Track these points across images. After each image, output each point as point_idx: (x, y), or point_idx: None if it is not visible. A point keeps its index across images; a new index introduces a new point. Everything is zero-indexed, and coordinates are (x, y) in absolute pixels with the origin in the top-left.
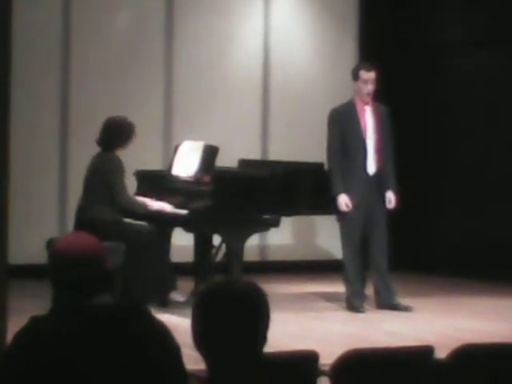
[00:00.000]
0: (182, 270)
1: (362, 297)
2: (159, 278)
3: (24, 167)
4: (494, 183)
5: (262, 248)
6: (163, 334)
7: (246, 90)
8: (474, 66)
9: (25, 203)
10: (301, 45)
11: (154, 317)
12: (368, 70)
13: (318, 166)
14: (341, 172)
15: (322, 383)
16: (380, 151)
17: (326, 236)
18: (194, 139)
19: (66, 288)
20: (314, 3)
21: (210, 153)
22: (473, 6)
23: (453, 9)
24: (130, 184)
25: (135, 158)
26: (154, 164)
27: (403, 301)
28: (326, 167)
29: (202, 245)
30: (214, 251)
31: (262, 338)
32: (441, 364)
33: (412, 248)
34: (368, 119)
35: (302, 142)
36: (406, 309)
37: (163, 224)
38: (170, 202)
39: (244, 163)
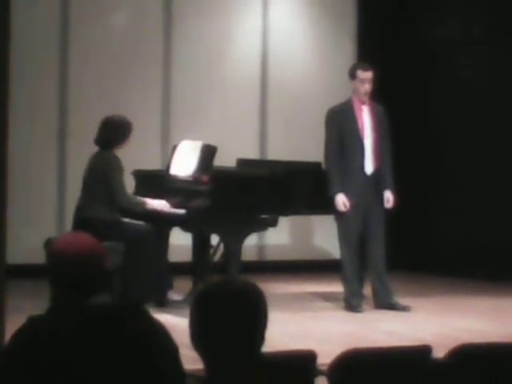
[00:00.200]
0: (180, 269)
1: (360, 296)
2: (157, 277)
3: (22, 166)
4: (493, 183)
5: (260, 248)
6: (161, 334)
7: (244, 90)
8: (472, 66)
9: (23, 203)
10: (299, 44)
11: (152, 317)
12: (365, 69)
13: (316, 166)
14: (338, 172)
15: (320, 383)
16: (378, 151)
17: (323, 236)
18: (193, 139)
19: (64, 287)
20: (313, 3)
21: (208, 152)
22: (472, 5)
23: (451, 8)
24: (128, 184)
25: (133, 157)
26: (152, 164)
27: (401, 300)
28: (323, 167)
29: (200, 244)
30: (211, 251)
31: (260, 337)
32: (439, 364)
33: (410, 248)
34: (365, 119)
35: (300, 142)
36: (404, 308)
37: (161, 224)
38: (168, 202)
39: (242, 163)
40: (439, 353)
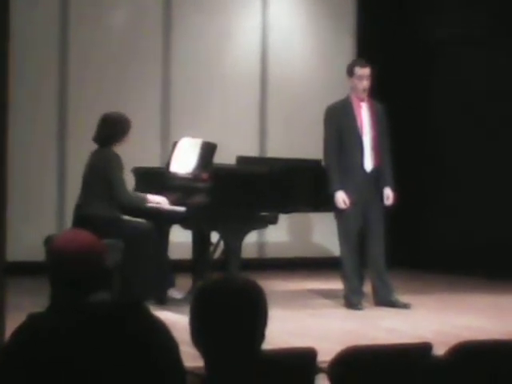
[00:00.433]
0: (180, 267)
1: (359, 294)
2: (157, 275)
3: (22, 164)
4: (492, 180)
5: (260, 245)
6: (162, 332)
7: (243, 88)
8: (472, 64)
9: (23, 200)
10: (299, 42)
11: (152, 314)
12: (362, 66)
13: (316, 163)
14: (338, 169)
15: (321, 380)
16: (377, 148)
17: (323, 233)
18: (192, 136)
19: (64, 285)
20: (313, 0)
21: (208, 150)
22: (472, 4)
23: (451, 6)
24: (128, 181)
25: (133, 154)
26: (151, 161)
27: (401, 298)
28: (323, 164)
29: (200, 242)
30: (211, 248)
31: (260, 335)
32: (439, 361)
33: (410, 245)
34: (364, 116)
35: (299, 139)
36: (405, 306)
37: (161, 221)
38: (167, 199)
39: (242, 160)
40: (439, 350)
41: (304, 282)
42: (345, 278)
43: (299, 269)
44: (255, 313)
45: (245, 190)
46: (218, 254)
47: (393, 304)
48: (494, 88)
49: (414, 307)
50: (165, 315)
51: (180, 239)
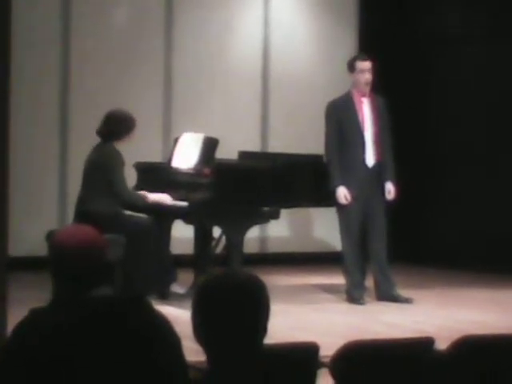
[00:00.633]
0: (181, 262)
1: (361, 288)
2: (159, 270)
3: (24, 159)
4: (493, 177)
5: (262, 240)
6: (164, 327)
7: (245, 82)
8: (473, 61)
9: (25, 195)
10: (301, 37)
11: (154, 309)
12: (363, 59)
13: (317, 158)
14: (339, 164)
15: (323, 375)
16: (378, 143)
17: (325, 228)
18: (194, 131)
19: (66, 280)
20: None
21: (210, 145)
22: (472, 3)
23: (453, 3)
24: (130, 176)
25: (135, 150)
26: (153, 156)
27: (403, 292)
28: (324, 159)
29: (202, 237)
30: (213, 243)
31: (262, 329)
32: (441, 355)
33: (412, 240)
34: (365, 111)
35: (301, 134)
36: (406, 300)
37: (163, 216)
38: (169, 195)
39: (244, 155)
40: (441, 345)
41: (306, 277)
42: (347, 273)
43: (301, 263)
44: (257, 307)
45: (247, 185)
46: (220, 248)
47: (395, 298)
48: (495, 84)
49: (416, 302)
50: (167, 310)
51: (182, 234)
